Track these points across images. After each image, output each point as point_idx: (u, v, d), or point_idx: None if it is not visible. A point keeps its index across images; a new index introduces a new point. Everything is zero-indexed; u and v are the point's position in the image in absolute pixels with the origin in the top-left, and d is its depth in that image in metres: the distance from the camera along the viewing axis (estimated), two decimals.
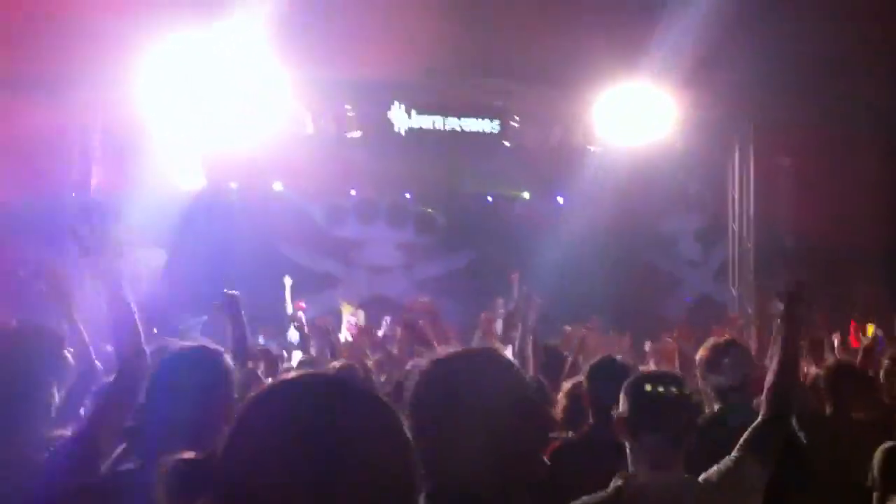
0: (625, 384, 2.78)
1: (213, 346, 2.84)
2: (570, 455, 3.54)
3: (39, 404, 2.89)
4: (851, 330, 10.50)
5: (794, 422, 3.49)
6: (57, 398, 3.09)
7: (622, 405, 2.71)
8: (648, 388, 2.67)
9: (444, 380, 1.80)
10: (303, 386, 1.26)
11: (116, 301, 2.79)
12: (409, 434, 1.26)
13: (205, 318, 10.72)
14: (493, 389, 1.75)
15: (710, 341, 4.18)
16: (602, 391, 3.85)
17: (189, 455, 2.08)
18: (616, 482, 2.55)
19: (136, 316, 2.83)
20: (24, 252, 10.79)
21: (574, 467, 3.03)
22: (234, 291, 4.59)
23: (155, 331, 9.88)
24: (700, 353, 4.16)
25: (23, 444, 2.75)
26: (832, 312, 11.19)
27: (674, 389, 2.67)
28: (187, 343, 2.64)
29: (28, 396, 2.84)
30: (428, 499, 1.69)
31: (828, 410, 4.76)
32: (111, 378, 2.93)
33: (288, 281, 15.01)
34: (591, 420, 3.92)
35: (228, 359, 2.69)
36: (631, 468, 2.62)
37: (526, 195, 18.04)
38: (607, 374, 3.92)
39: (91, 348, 4.15)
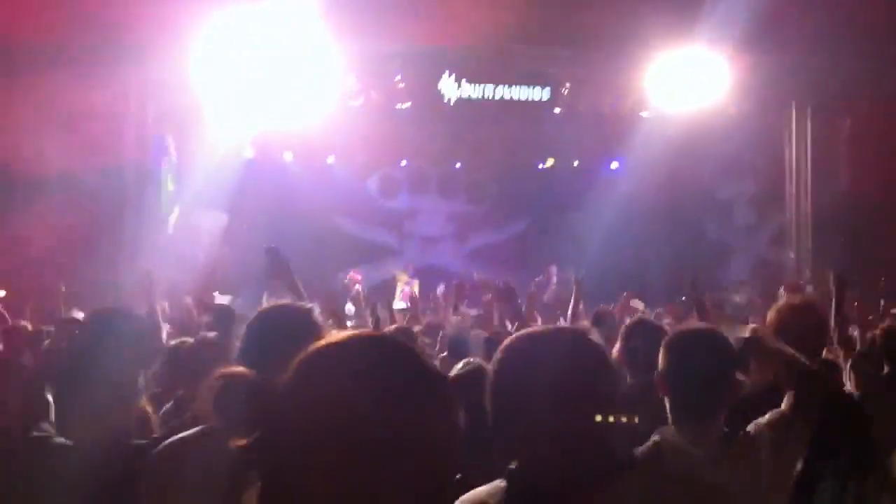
0: (664, 340, 2.77)
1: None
2: None
3: (134, 383, 3.03)
4: None
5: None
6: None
7: (661, 362, 2.70)
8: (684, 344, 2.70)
9: (523, 357, 1.79)
10: (350, 346, 1.26)
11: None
12: (451, 398, 1.26)
13: (233, 298, 10.82)
14: (572, 371, 1.73)
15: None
16: (638, 351, 3.91)
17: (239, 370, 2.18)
18: (654, 437, 2.56)
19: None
20: (84, 220, 11.09)
21: None
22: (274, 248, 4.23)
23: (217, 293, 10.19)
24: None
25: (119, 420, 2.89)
26: (889, 278, 11.03)
27: (711, 345, 2.66)
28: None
29: (123, 376, 2.98)
30: (510, 478, 1.74)
31: (885, 370, 4.66)
32: None
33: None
34: (628, 380, 3.93)
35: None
36: (669, 425, 2.63)
37: (575, 164, 17.90)
38: (642, 334, 3.99)
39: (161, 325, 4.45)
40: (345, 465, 1.15)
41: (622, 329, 4.23)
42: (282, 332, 2.31)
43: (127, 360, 3.00)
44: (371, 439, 1.15)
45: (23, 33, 10.41)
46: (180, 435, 2.42)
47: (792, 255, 13.89)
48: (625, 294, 9.07)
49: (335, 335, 1.30)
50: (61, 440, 2.78)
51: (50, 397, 2.91)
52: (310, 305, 2.58)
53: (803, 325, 3.66)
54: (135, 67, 11.86)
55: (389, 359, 1.25)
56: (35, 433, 2.78)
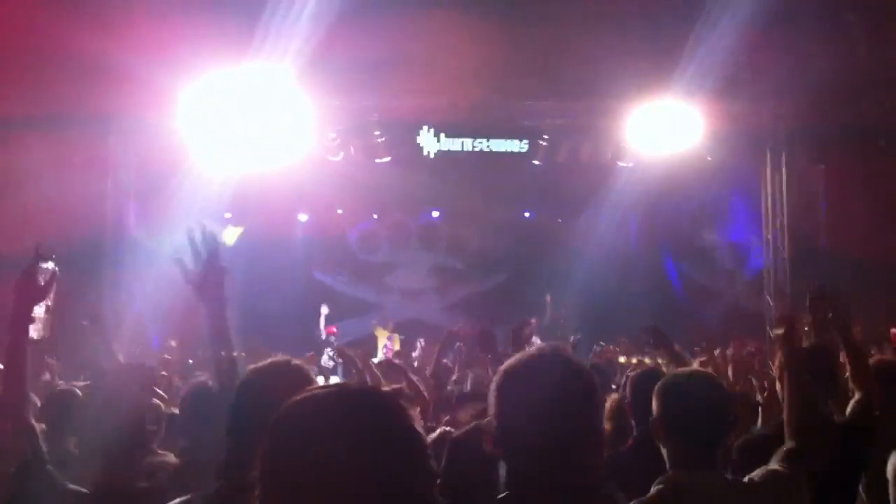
0: (656, 387, 2.76)
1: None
2: (616, 467, 3.49)
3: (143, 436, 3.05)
4: (892, 338, 10.37)
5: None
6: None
7: (654, 408, 2.70)
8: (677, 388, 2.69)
9: (506, 380, 1.87)
10: (323, 400, 1.32)
11: (217, 321, 2.86)
12: (425, 441, 1.33)
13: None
14: (555, 390, 1.81)
15: None
16: (646, 403, 3.83)
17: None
18: (657, 486, 2.54)
19: (231, 332, 2.94)
20: (63, 285, 10.96)
21: (621, 478, 3.02)
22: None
23: (191, 362, 10.04)
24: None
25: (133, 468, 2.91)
26: (868, 321, 11.08)
27: (704, 389, 2.65)
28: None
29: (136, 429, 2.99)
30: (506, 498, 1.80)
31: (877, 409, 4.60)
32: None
33: (324, 309, 15.12)
34: (634, 433, 3.87)
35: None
36: (669, 471, 2.62)
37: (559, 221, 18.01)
38: (651, 386, 3.91)
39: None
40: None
41: (630, 379, 4.07)
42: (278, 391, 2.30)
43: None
44: (347, 492, 1.21)
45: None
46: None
47: (770, 301, 13.94)
48: (602, 345, 9.07)
49: (315, 389, 1.37)
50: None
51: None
52: (297, 362, 2.55)
53: (815, 368, 3.65)
54: (115, 126, 11.90)
55: (366, 412, 1.30)
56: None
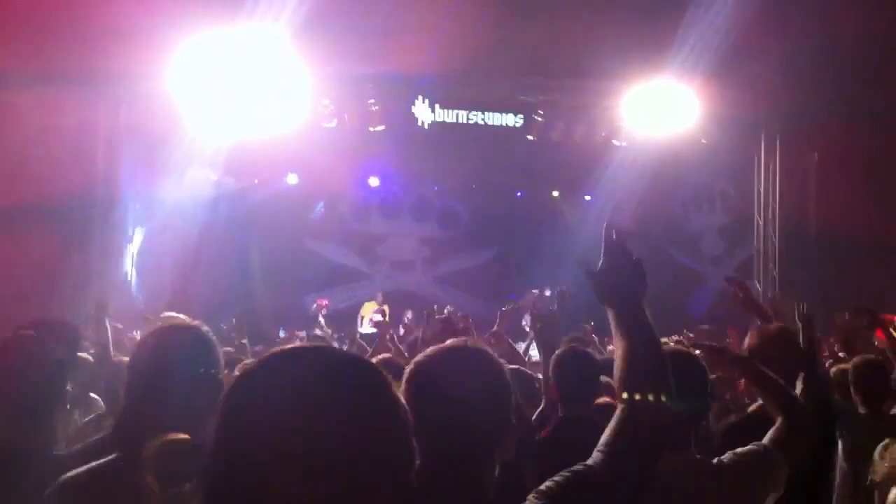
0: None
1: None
2: (534, 455, 3.45)
3: (58, 399, 2.98)
4: (885, 323, 10.41)
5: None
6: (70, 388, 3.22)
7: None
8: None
9: (420, 373, 1.95)
10: (288, 357, 1.22)
11: None
12: (405, 407, 1.25)
13: None
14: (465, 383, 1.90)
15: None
16: (572, 382, 3.85)
17: (177, 436, 2.13)
18: None
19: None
20: (51, 245, 10.94)
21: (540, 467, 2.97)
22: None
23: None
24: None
25: (46, 429, 2.84)
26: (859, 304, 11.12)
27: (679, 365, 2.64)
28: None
29: (48, 395, 2.92)
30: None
31: (860, 408, 4.71)
32: None
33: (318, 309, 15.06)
34: (560, 415, 3.83)
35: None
36: None
37: (555, 193, 17.99)
38: (578, 365, 3.92)
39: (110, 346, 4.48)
40: (286, 479, 1.10)
41: (556, 358, 4.04)
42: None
43: (55, 362, 2.97)
44: (314, 452, 1.11)
45: None
46: (89, 467, 2.35)
47: (758, 285, 13.99)
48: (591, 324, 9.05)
49: (283, 347, 1.26)
50: None
51: None
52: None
53: (782, 351, 3.70)
54: (106, 86, 11.79)
55: (336, 370, 1.21)
56: None
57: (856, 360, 4.97)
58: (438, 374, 1.92)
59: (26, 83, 10.75)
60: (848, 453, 4.43)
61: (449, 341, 2.06)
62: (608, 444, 1.92)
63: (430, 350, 2.01)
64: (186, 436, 2.11)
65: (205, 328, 2.49)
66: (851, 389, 4.82)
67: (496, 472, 1.90)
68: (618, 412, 1.99)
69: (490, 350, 2.05)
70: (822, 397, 3.92)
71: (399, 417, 1.21)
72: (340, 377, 1.19)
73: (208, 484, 1.17)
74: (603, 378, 3.92)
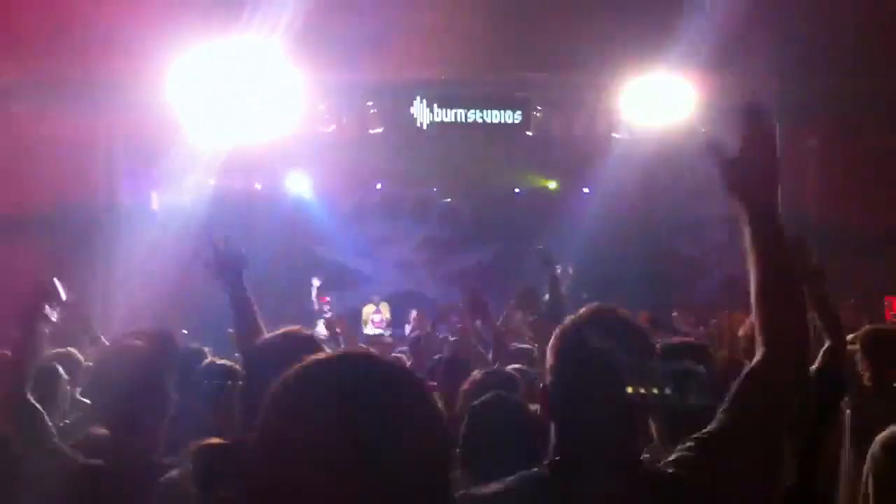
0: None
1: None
2: None
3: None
4: (887, 309, 10.46)
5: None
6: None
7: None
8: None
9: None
10: (338, 365, 1.23)
11: (240, 302, 3.20)
12: (441, 409, 1.24)
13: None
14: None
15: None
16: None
17: (216, 441, 2.11)
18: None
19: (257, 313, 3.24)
20: (50, 254, 10.95)
21: None
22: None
23: (185, 332, 10.02)
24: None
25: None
26: (858, 292, 11.13)
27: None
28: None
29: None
30: None
31: (866, 380, 4.59)
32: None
33: (316, 282, 15.11)
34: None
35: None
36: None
37: (552, 185, 17.98)
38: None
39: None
40: (331, 483, 1.10)
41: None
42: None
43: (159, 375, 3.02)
44: (357, 457, 1.11)
45: None
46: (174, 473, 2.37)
47: None
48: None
49: (321, 354, 1.27)
50: None
51: None
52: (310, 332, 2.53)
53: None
54: (106, 95, 11.81)
55: (376, 375, 1.21)
56: None
57: (866, 329, 4.89)
58: (585, 343, 1.80)
59: (25, 92, 10.77)
60: (854, 429, 4.38)
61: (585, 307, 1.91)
62: (742, 392, 1.77)
63: (572, 319, 1.86)
64: (222, 439, 2.12)
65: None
66: (859, 362, 4.72)
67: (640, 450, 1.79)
68: (752, 363, 1.80)
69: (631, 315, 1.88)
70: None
71: (436, 423, 1.21)
72: (383, 382, 1.19)
73: (250, 488, 1.18)
74: None
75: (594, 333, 1.78)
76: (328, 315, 14.91)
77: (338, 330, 11.09)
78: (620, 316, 1.85)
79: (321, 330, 14.25)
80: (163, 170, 12.82)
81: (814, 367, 4.04)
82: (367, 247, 18.49)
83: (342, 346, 8.18)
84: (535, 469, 1.83)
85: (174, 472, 2.36)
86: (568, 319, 1.86)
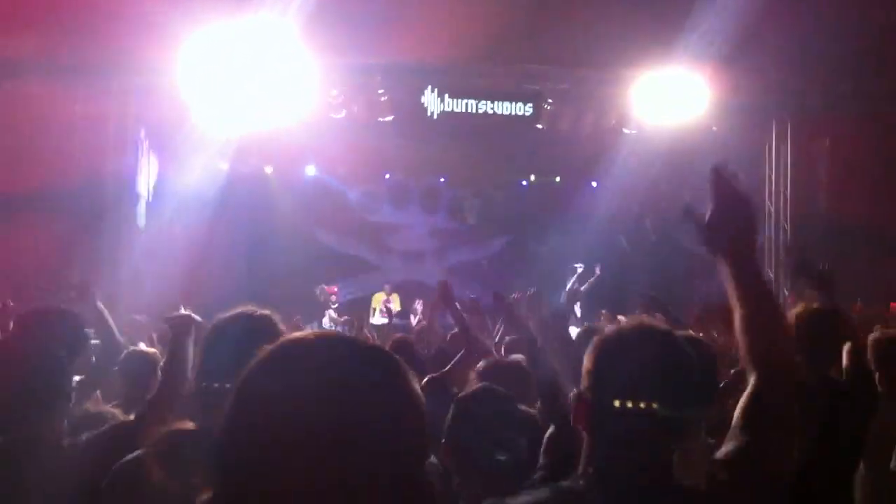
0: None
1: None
2: None
3: (64, 382, 2.99)
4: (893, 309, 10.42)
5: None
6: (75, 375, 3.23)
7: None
8: None
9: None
10: (308, 345, 1.20)
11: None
12: (418, 389, 1.22)
13: None
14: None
15: None
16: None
17: (186, 425, 2.10)
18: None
19: None
20: (62, 235, 10.99)
21: None
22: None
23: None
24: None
25: (48, 423, 2.85)
26: (869, 295, 11.09)
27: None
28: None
29: (53, 375, 2.92)
30: None
31: (879, 387, 4.55)
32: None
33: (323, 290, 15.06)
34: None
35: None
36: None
37: (557, 179, 17.94)
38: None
39: (114, 328, 4.40)
40: (308, 458, 1.09)
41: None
42: (244, 339, 2.26)
43: (55, 358, 2.97)
44: (332, 436, 1.10)
45: (2, 45, 10.32)
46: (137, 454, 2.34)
47: (771, 273, 13.95)
48: (603, 312, 9.06)
49: (296, 334, 1.25)
50: None
51: None
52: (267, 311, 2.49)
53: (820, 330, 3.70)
54: (117, 77, 11.81)
55: (353, 354, 1.20)
56: None
57: (875, 334, 4.83)
58: (628, 356, 1.82)
59: (38, 73, 10.79)
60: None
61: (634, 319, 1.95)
62: (742, 428, 1.85)
63: (616, 328, 1.90)
64: (192, 424, 2.11)
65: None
66: (871, 365, 4.67)
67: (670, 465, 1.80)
68: (750, 387, 1.89)
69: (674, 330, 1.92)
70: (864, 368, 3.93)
71: (414, 406, 1.19)
72: (355, 364, 1.18)
73: (218, 472, 1.16)
74: None
75: (640, 345, 1.82)
76: (335, 306, 14.97)
77: (343, 318, 11.15)
78: (665, 332, 1.89)
79: (327, 322, 14.35)
80: (174, 152, 12.84)
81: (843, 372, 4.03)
82: (375, 235, 18.50)
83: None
84: (568, 482, 1.83)
85: (137, 453, 2.30)
86: (610, 329, 1.89)
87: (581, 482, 1.78)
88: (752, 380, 1.90)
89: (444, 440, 2.78)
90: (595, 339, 1.87)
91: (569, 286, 15.12)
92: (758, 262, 1.96)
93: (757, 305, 1.91)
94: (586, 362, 1.85)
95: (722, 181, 1.95)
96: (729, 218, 1.92)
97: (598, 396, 1.79)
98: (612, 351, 1.83)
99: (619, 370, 1.79)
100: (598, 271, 15.04)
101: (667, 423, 1.75)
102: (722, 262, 1.94)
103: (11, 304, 6.93)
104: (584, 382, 1.83)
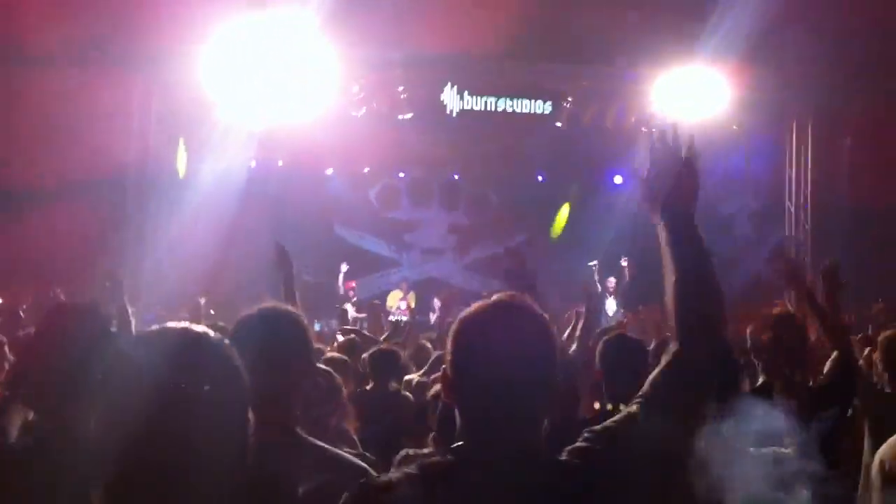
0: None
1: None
2: None
3: (91, 378, 3.00)
4: None
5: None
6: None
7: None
8: None
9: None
10: (151, 338, 1.48)
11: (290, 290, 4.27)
12: (244, 378, 1.46)
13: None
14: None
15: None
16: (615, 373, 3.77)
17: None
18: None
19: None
20: (83, 225, 11.09)
21: None
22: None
23: (212, 312, 10.12)
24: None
25: (82, 414, 2.87)
26: (891, 291, 11.04)
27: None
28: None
29: (82, 369, 2.95)
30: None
31: (886, 387, 4.54)
32: None
33: (344, 266, 15.16)
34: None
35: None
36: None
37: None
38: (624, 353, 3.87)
39: (132, 322, 4.44)
40: (133, 444, 1.34)
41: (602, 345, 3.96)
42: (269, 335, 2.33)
43: (82, 354, 2.98)
44: (154, 422, 1.34)
45: (29, 35, 10.43)
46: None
47: None
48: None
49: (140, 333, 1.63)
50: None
51: None
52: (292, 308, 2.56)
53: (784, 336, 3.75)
54: (139, 71, 11.91)
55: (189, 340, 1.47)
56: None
57: (886, 333, 4.81)
58: (482, 331, 1.78)
59: (62, 65, 10.88)
60: (870, 430, 4.33)
61: (494, 297, 1.89)
62: (655, 385, 1.82)
63: (474, 306, 1.85)
64: None
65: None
66: (879, 366, 4.67)
67: (542, 438, 1.77)
68: (670, 348, 1.87)
69: (536, 307, 1.86)
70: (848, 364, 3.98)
71: (231, 387, 1.45)
72: (179, 354, 1.43)
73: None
74: None
75: (499, 320, 1.80)
76: (354, 300, 15.00)
77: (361, 315, 11.17)
78: (524, 306, 1.86)
79: (353, 313, 14.39)
80: (197, 145, 12.92)
81: (824, 379, 4.05)
82: (394, 232, 18.54)
83: (364, 331, 8.31)
84: (437, 457, 1.85)
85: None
86: (471, 308, 1.85)
87: (449, 457, 1.76)
88: (671, 347, 1.87)
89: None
90: (458, 317, 1.86)
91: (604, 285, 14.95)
92: (694, 224, 1.96)
93: (687, 268, 1.90)
94: (448, 341, 1.83)
95: (662, 142, 2.01)
96: (663, 175, 1.96)
97: (458, 371, 1.79)
98: (469, 326, 1.82)
99: (473, 345, 1.78)
100: (623, 263, 14.97)
101: (522, 392, 1.73)
102: (658, 224, 1.96)
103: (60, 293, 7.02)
104: (447, 358, 1.83)
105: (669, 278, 1.92)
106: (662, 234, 1.95)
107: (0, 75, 11.06)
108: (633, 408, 1.82)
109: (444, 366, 1.83)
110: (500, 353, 1.74)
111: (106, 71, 11.31)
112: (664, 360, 1.88)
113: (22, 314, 7.98)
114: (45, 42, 10.67)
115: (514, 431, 1.73)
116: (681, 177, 1.99)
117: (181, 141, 13.47)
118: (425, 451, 3.76)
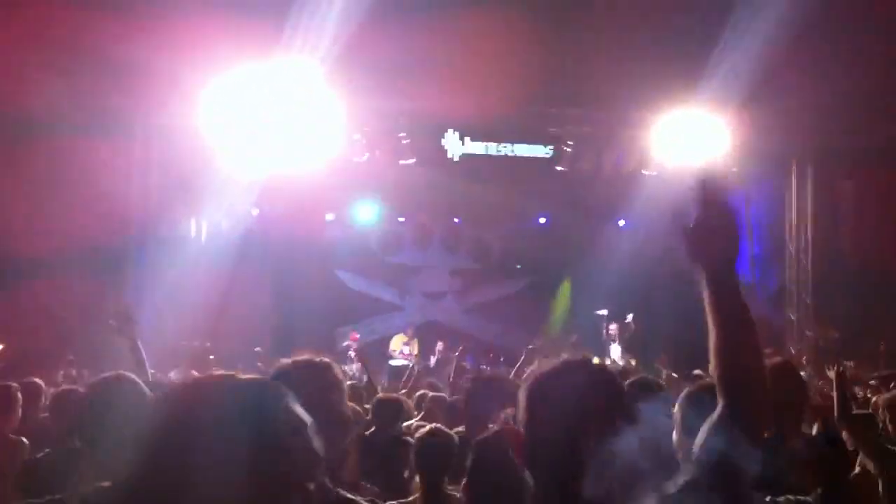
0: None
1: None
2: None
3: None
4: None
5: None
6: None
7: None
8: None
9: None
10: (199, 387, 1.52)
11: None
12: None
13: None
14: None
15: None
16: None
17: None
18: None
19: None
20: (88, 284, 11.05)
21: None
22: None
23: (212, 357, 10.09)
24: None
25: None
26: (890, 340, 10.99)
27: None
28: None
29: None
30: None
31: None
32: None
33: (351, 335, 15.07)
34: None
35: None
36: None
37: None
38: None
39: (145, 362, 4.41)
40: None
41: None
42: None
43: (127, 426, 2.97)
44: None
45: (27, 99, 10.44)
46: None
47: (793, 316, 13.84)
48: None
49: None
50: None
51: None
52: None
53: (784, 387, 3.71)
54: (137, 125, 11.98)
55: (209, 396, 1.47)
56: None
57: (888, 395, 4.85)
58: (557, 388, 1.83)
59: (60, 127, 10.88)
60: (885, 488, 4.31)
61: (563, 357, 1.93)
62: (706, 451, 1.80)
63: (546, 365, 1.90)
64: None
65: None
66: (888, 425, 4.68)
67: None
68: (717, 410, 1.84)
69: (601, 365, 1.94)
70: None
71: (270, 440, 1.42)
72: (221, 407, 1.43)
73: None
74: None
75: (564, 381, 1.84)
76: (352, 354, 14.93)
77: (360, 363, 11.13)
78: (590, 366, 1.92)
79: (352, 368, 14.33)
80: (197, 197, 12.94)
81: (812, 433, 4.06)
82: (397, 277, 18.54)
83: (365, 379, 8.29)
84: None
85: None
86: (540, 368, 1.91)
87: None
88: (718, 406, 1.86)
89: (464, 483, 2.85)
90: (528, 377, 1.90)
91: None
92: (738, 281, 1.89)
93: (731, 328, 1.86)
94: (520, 399, 1.87)
95: (709, 190, 1.90)
96: (711, 229, 1.86)
97: (530, 430, 1.83)
98: (541, 387, 1.86)
99: (548, 404, 1.82)
100: (629, 319, 14.95)
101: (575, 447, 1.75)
102: (701, 278, 1.90)
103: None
104: (520, 417, 1.87)
105: (712, 333, 1.89)
106: (704, 289, 1.89)
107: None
108: (691, 467, 1.82)
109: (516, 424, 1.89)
110: (574, 415, 1.77)
111: (104, 128, 11.33)
112: (714, 415, 1.87)
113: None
114: (42, 103, 10.67)
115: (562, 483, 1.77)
116: (725, 229, 1.88)
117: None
118: (410, 499, 3.86)
